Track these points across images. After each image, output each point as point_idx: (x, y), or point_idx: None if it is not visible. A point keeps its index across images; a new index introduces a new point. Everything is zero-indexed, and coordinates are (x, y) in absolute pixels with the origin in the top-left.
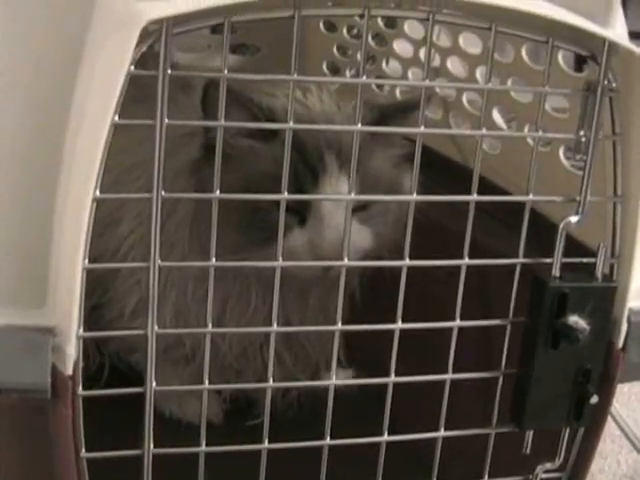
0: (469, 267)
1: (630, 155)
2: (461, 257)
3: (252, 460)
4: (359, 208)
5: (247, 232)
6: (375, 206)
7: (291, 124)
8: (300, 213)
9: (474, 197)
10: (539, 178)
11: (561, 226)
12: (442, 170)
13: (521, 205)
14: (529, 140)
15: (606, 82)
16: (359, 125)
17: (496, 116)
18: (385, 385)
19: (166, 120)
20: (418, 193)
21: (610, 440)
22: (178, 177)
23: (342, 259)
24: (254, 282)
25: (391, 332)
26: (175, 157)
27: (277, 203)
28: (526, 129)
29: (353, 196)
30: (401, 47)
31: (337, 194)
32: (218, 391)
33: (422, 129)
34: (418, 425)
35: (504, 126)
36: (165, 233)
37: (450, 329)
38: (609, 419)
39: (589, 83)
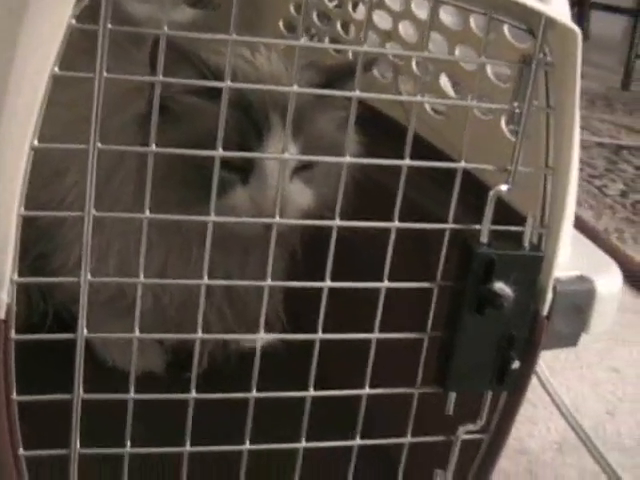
0: (410, 230)
1: (562, 128)
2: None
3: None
4: (302, 168)
5: (191, 189)
6: (318, 167)
7: (228, 82)
8: (243, 171)
9: (406, 161)
10: (481, 146)
11: (490, 194)
12: (389, 133)
13: (463, 173)
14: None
15: (542, 56)
16: (295, 87)
17: (445, 82)
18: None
19: (105, 74)
20: (359, 155)
21: (542, 407)
22: (125, 131)
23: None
24: (196, 238)
25: (330, 291)
26: (123, 111)
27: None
28: (469, 97)
29: (287, 155)
30: (358, 10)
31: (280, 154)
32: (161, 343)
33: (357, 93)
34: (348, 383)
35: (452, 92)
36: (111, 186)
37: (387, 289)
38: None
39: (525, 56)
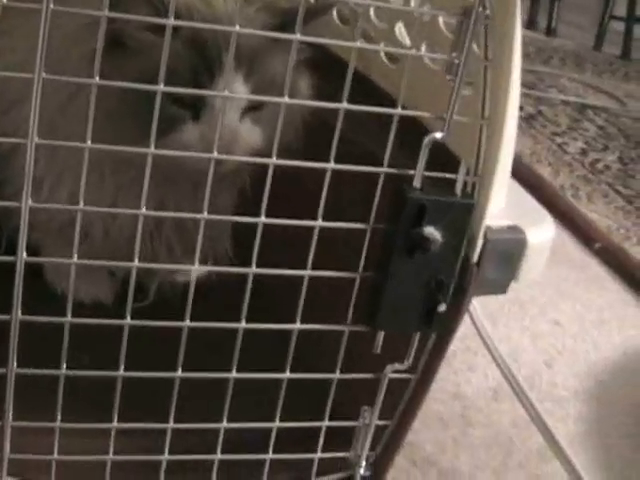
0: (356, 173)
1: (499, 81)
2: (347, 161)
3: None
4: (252, 108)
5: (144, 123)
6: (268, 108)
7: (172, 20)
8: (195, 108)
9: (344, 105)
10: (431, 94)
11: (425, 141)
12: (344, 78)
13: (413, 121)
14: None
15: (482, 9)
16: (237, 27)
17: (401, 30)
18: (259, 277)
19: (52, 6)
20: (312, 97)
21: (482, 355)
22: (82, 64)
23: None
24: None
25: (276, 228)
26: (81, 44)
27: (172, 97)
28: (423, 48)
29: (227, 93)
30: None
31: (231, 93)
32: (112, 274)
33: (298, 36)
34: (281, 319)
35: (407, 41)
36: (66, 119)
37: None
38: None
39: (466, 8)
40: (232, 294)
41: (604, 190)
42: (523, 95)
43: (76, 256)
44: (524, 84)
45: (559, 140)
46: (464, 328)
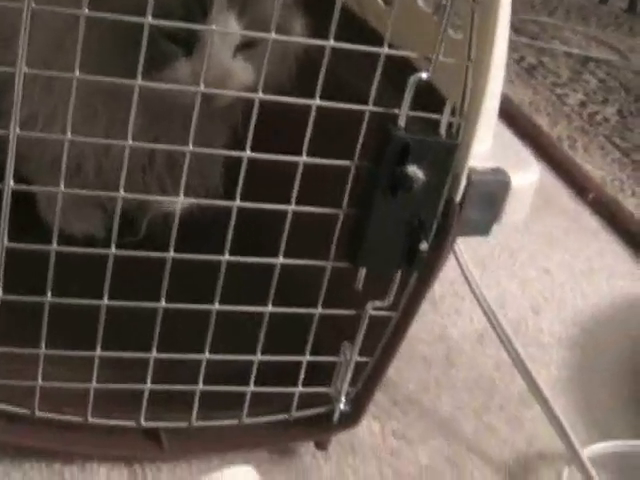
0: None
1: (487, 23)
2: (335, 98)
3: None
4: (245, 46)
5: (137, 59)
6: (261, 45)
7: None
8: (188, 45)
9: (330, 42)
10: (420, 37)
11: (410, 80)
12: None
13: (405, 64)
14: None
15: None
16: None
17: None
18: (249, 215)
19: None
20: (305, 37)
21: (468, 299)
22: None
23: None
24: (140, 108)
25: (266, 165)
26: None
27: (164, 33)
28: None
29: (215, 27)
30: None
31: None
32: (104, 208)
33: None
34: (265, 252)
35: None
36: (62, 53)
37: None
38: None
39: None
40: (223, 231)
41: (601, 142)
42: (525, 45)
43: (63, 185)
44: (527, 34)
45: (559, 91)
46: (453, 273)
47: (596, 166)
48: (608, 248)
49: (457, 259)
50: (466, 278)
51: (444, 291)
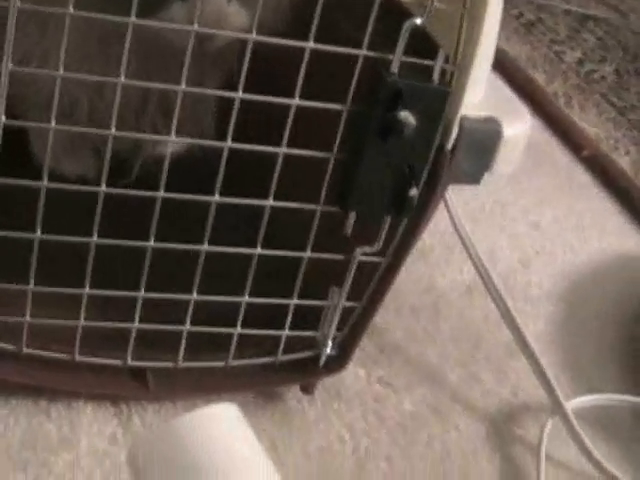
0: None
1: None
2: (329, 43)
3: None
4: None
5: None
6: None
7: None
8: None
9: None
10: None
11: (404, 26)
12: None
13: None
14: None
15: None
16: None
17: None
18: (233, 156)
19: None
20: None
21: (458, 251)
22: None
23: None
24: (133, 50)
25: (257, 107)
26: None
27: None
28: None
29: None
30: None
31: None
32: (97, 151)
33: None
34: (255, 195)
35: None
36: None
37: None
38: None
39: None
40: (215, 174)
41: (597, 100)
42: (524, 2)
43: (54, 122)
44: None
45: (557, 48)
46: (443, 224)
47: (591, 124)
48: (600, 205)
49: (448, 210)
50: (456, 229)
51: (434, 242)
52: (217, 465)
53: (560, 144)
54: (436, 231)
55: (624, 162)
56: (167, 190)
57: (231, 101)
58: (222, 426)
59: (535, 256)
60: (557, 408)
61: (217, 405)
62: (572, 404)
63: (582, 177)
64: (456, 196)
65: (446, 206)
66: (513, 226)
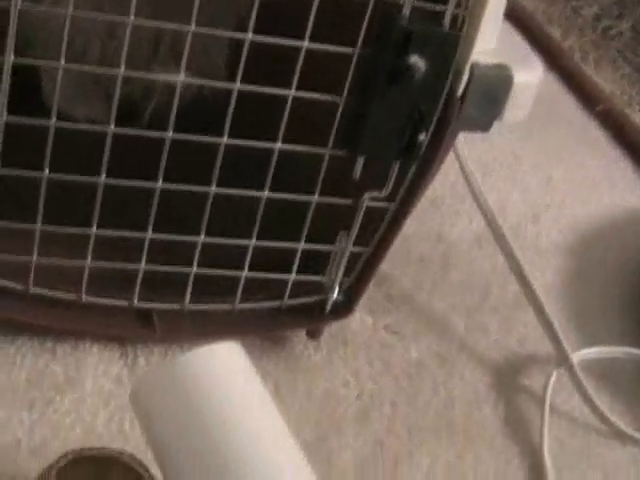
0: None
1: None
2: None
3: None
4: None
5: None
6: None
7: None
8: None
9: None
10: None
11: None
12: None
13: None
14: None
15: None
16: None
17: None
18: (243, 99)
19: None
20: None
21: (469, 203)
22: None
23: None
24: None
25: (268, 49)
26: None
27: None
28: None
29: None
30: None
31: None
32: (108, 95)
33: None
34: (265, 138)
35: None
36: None
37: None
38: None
39: None
40: (224, 117)
41: (613, 57)
42: None
43: (63, 60)
44: None
45: (574, 4)
46: (454, 176)
47: (606, 80)
48: (612, 161)
49: (459, 161)
50: (467, 180)
51: (444, 192)
52: (220, 401)
53: (574, 99)
54: (447, 182)
55: (638, 118)
56: (176, 132)
57: (242, 44)
58: (225, 363)
59: (545, 209)
60: (562, 359)
61: (220, 343)
62: (577, 356)
63: (595, 132)
64: (467, 149)
65: (457, 157)
66: (524, 179)
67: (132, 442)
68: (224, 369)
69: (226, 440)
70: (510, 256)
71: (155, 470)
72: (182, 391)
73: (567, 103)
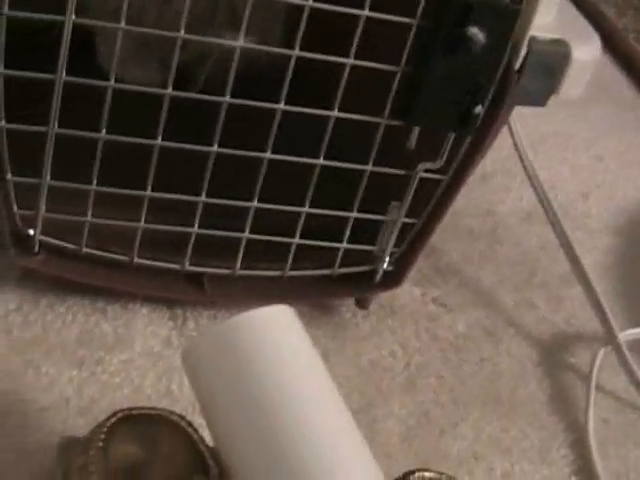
0: None
1: None
2: None
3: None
4: None
5: None
6: None
7: None
8: None
9: None
10: None
11: None
12: None
13: None
14: None
15: None
16: None
17: None
18: (303, 67)
19: None
20: None
21: (520, 179)
22: None
23: None
24: None
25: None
26: None
27: None
28: None
29: None
30: None
31: None
32: (162, 61)
33: None
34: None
35: None
36: None
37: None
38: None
39: None
40: (280, 85)
41: None
42: None
43: (124, 22)
44: None
45: None
46: (506, 152)
47: None
48: None
49: (512, 136)
50: (519, 156)
51: (496, 168)
52: (273, 363)
53: (627, 79)
54: (499, 158)
55: None
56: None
57: (300, 10)
58: (278, 327)
59: (596, 188)
60: (610, 338)
61: (273, 307)
62: (625, 335)
63: None
64: (520, 125)
65: (510, 132)
66: (575, 158)
67: (180, 404)
68: (278, 331)
69: (279, 402)
70: (560, 233)
71: (203, 432)
72: (235, 352)
73: (620, 82)
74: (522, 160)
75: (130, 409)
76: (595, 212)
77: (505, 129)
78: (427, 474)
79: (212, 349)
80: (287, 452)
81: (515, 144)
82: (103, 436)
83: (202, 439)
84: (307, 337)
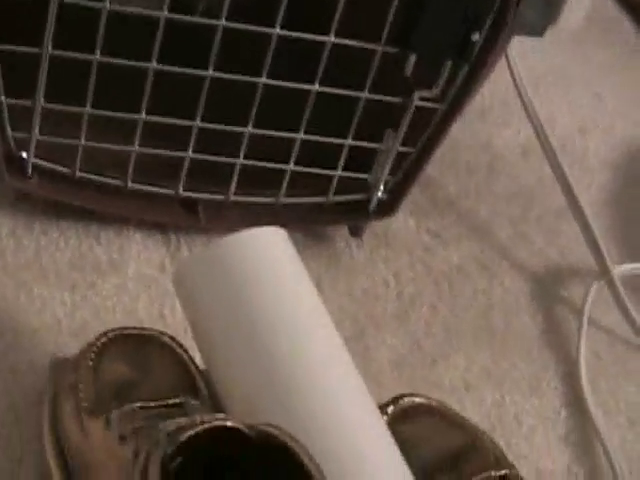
0: None
1: None
2: None
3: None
4: None
5: None
6: None
7: None
8: None
9: None
10: None
11: None
12: None
13: None
14: None
15: None
16: None
17: None
18: None
19: None
20: None
21: (517, 115)
22: None
23: None
24: None
25: None
26: None
27: None
28: None
29: None
30: None
31: None
32: None
33: None
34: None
35: None
36: None
37: None
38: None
39: None
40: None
41: None
42: None
43: None
44: None
45: None
46: (505, 86)
47: None
48: None
49: (510, 69)
50: (517, 89)
51: (494, 102)
52: (263, 284)
53: (629, 19)
54: (497, 91)
55: None
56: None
57: None
58: (270, 246)
59: (594, 125)
60: (603, 273)
61: (265, 227)
62: (618, 270)
63: None
64: (520, 63)
65: (509, 65)
66: (575, 95)
67: (172, 327)
68: (269, 252)
69: (270, 322)
70: (556, 168)
71: (194, 353)
72: (226, 271)
73: (621, 22)
74: (521, 95)
75: (121, 329)
76: (592, 148)
77: (505, 64)
78: (417, 399)
79: (203, 268)
80: (279, 372)
81: (514, 79)
82: (93, 355)
83: (192, 360)
84: (299, 259)
